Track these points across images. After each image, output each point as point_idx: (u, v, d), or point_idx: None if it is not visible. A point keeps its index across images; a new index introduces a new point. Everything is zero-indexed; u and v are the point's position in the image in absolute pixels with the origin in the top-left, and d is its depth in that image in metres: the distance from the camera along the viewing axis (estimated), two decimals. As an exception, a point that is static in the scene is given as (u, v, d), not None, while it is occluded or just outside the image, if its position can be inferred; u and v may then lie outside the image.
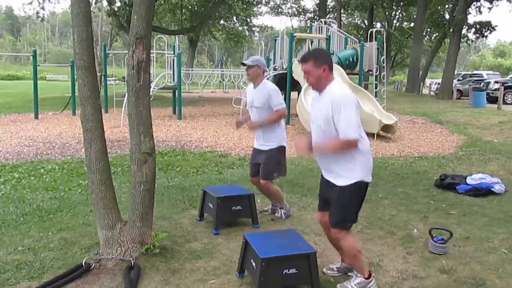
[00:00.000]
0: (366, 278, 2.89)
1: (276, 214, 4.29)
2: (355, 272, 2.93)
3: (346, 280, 2.95)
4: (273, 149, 4.10)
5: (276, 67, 12.69)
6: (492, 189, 5.17)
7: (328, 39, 12.66)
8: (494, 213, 4.51)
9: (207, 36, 33.58)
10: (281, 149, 4.15)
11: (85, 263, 3.07)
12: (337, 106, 2.67)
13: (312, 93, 2.99)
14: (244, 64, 4.14)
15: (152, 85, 11.54)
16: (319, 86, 2.83)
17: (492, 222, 4.21)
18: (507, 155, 7.64)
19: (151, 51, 3.67)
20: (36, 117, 12.21)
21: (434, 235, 3.53)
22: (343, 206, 2.81)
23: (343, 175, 2.78)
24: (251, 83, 4.23)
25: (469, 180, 5.33)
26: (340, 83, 2.87)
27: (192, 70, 23.87)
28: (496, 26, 25.60)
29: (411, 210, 4.55)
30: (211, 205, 3.96)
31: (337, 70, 11.18)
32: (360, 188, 2.80)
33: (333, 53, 12.86)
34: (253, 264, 2.80)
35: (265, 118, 4.07)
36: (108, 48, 16.39)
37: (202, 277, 3.03)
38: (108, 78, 14.84)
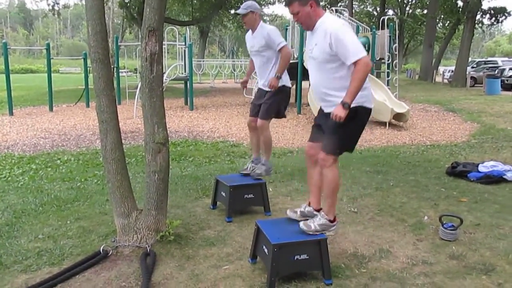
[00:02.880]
0: (330, 221, 2.93)
1: (256, 171, 4.23)
2: (321, 213, 2.97)
3: (310, 219, 2.98)
4: (276, 90, 4.10)
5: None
6: (504, 177, 5.16)
7: (339, 27, 12.56)
8: (505, 200, 4.51)
9: (218, 26, 33.54)
10: (284, 90, 4.15)
11: (102, 250, 3.18)
12: (336, 36, 2.67)
13: (308, 34, 2.97)
14: (238, 14, 4.15)
15: (164, 76, 11.63)
16: (310, 23, 2.83)
17: (504, 209, 4.22)
18: (520, 143, 7.58)
19: (163, 42, 3.73)
20: (51, 109, 12.41)
21: (444, 222, 3.56)
22: (339, 129, 2.77)
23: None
24: (249, 31, 4.23)
25: (481, 168, 5.32)
26: (330, 15, 2.86)
27: (203, 61, 23.92)
28: (511, 11, 25.10)
29: (422, 198, 4.57)
30: (223, 194, 4.04)
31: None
32: (359, 113, 2.80)
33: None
34: (265, 250, 2.88)
35: (278, 68, 4.03)
36: (119, 40, 16.50)
37: (216, 263, 3.12)
38: (120, 70, 14.99)
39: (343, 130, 2.80)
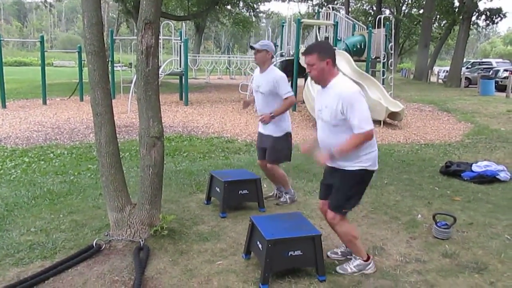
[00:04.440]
0: (365, 261, 2.96)
1: (281, 199, 4.34)
2: (353, 255, 3.00)
3: (346, 262, 3.02)
4: (280, 136, 4.13)
5: (283, 54, 12.66)
6: (497, 177, 5.19)
7: (335, 25, 12.58)
8: (498, 200, 4.54)
9: (214, 22, 33.43)
10: (288, 135, 4.19)
11: (95, 244, 3.16)
12: (349, 103, 2.68)
13: (316, 87, 3.01)
14: (253, 48, 4.11)
15: (159, 71, 11.58)
16: (322, 79, 2.83)
17: (496, 209, 4.24)
18: (513, 143, 7.62)
19: (159, 36, 3.70)
20: (44, 102, 12.31)
21: (437, 220, 3.57)
22: (343, 190, 2.86)
23: (350, 163, 2.81)
24: (257, 68, 4.25)
25: (474, 168, 5.35)
26: (344, 78, 2.86)
27: (198, 56, 23.83)
28: (506, 13, 25.24)
29: (416, 196, 4.59)
30: (218, 189, 4.03)
31: (344, 57, 11.14)
32: (363, 176, 2.84)
33: (340, 40, 12.79)
34: (259, 246, 2.87)
35: (277, 109, 4.04)
36: (114, 34, 16.37)
37: (210, 258, 3.11)
38: (115, 64, 14.88)
39: (348, 189, 2.86)
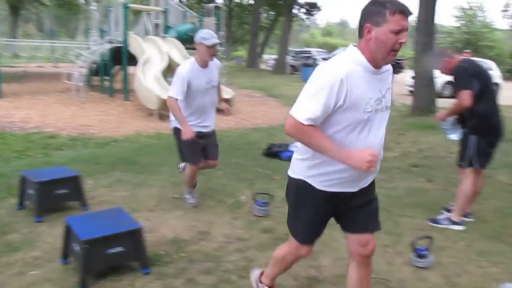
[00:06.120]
0: None
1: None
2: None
3: None
4: (214, 129, 4.04)
5: (112, 40, 12.01)
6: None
7: (165, 12, 12.44)
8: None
9: (32, 3, 29.87)
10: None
11: None
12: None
13: (348, 71, 1.89)
14: (214, 45, 3.62)
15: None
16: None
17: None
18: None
19: None
20: None
21: (257, 199, 3.86)
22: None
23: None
24: (189, 65, 3.68)
25: (291, 148, 5.91)
26: None
27: (14, 41, 21.05)
28: (321, 6, 28.52)
29: (241, 179, 4.88)
30: (31, 191, 3.64)
31: (175, 43, 11.18)
32: None
33: (171, 27, 12.70)
34: (76, 248, 2.70)
35: (221, 96, 4.09)
36: None
37: (20, 269, 2.81)
38: None
39: None
